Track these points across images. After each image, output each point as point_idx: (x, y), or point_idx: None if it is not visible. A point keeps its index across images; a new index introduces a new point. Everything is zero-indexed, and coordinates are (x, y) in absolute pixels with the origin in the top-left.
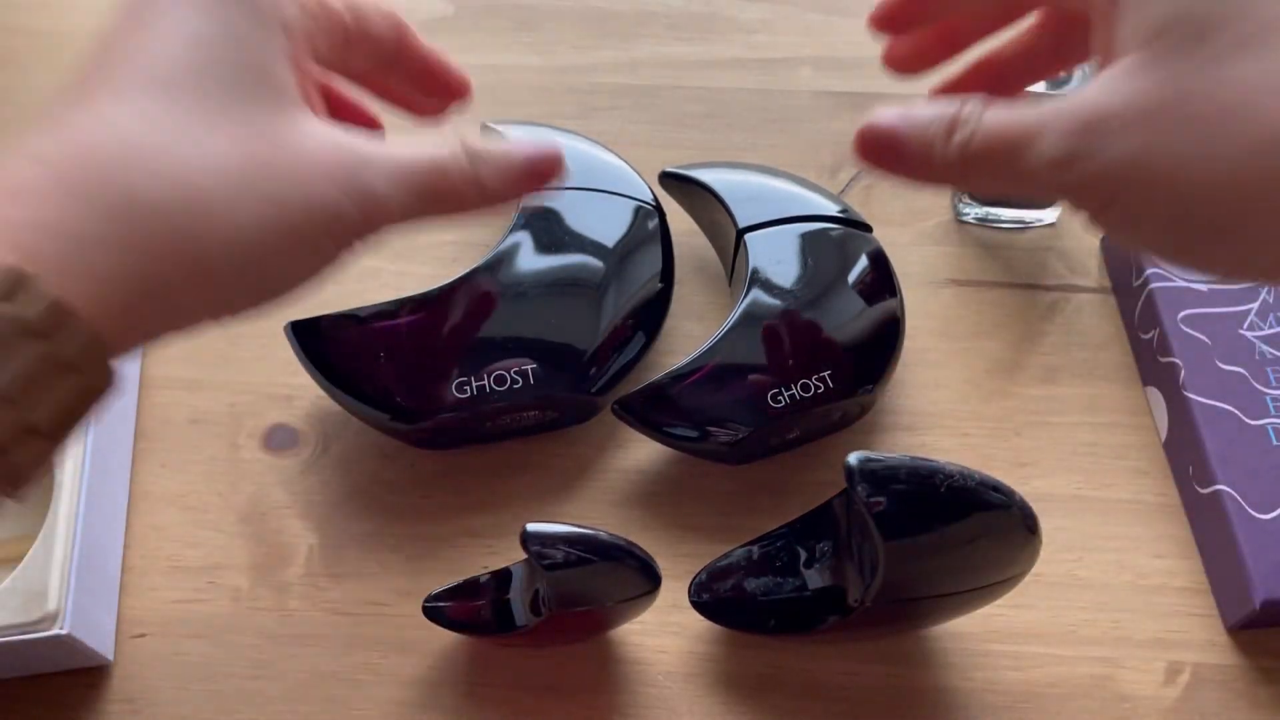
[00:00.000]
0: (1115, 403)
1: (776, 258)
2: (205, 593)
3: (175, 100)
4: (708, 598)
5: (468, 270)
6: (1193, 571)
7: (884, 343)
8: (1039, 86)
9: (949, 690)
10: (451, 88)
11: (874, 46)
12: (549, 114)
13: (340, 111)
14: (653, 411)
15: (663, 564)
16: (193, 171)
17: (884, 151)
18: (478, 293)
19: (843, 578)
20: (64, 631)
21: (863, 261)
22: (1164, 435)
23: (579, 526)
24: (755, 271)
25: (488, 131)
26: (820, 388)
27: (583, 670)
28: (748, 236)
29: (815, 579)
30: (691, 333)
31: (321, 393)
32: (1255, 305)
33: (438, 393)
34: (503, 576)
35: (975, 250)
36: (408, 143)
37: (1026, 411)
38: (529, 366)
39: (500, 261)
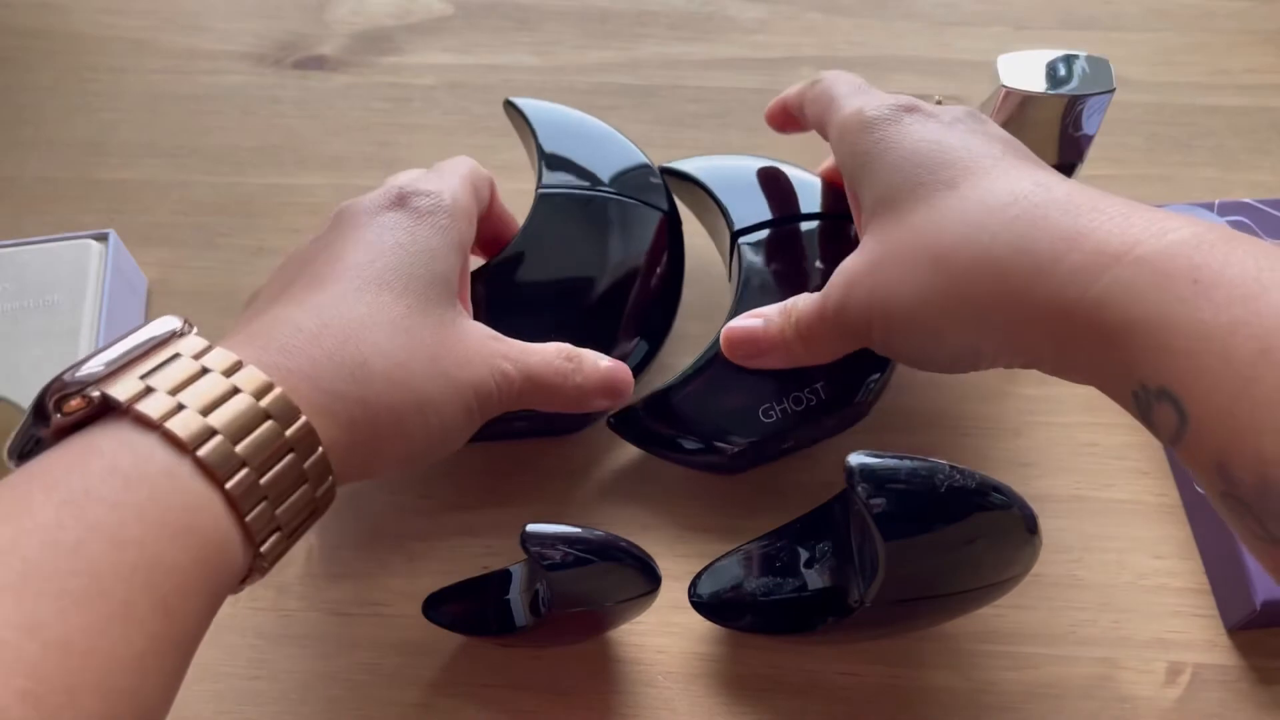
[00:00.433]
0: (1114, 403)
1: (770, 262)
2: None
3: (389, 294)
4: (708, 598)
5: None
6: (1193, 572)
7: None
8: (1040, 85)
9: (949, 690)
10: (502, 239)
11: (873, 47)
12: None
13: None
14: (647, 427)
15: (663, 564)
16: (404, 351)
17: (749, 349)
18: (477, 297)
19: (843, 578)
20: None
21: None
22: None
23: (579, 527)
24: (747, 279)
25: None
26: (813, 399)
27: (583, 670)
28: (741, 240)
29: (815, 579)
30: (694, 333)
31: None
32: None
33: None
34: (503, 576)
35: None
36: (532, 348)
37: (1026, 411)
38: None
39: (504, 265)
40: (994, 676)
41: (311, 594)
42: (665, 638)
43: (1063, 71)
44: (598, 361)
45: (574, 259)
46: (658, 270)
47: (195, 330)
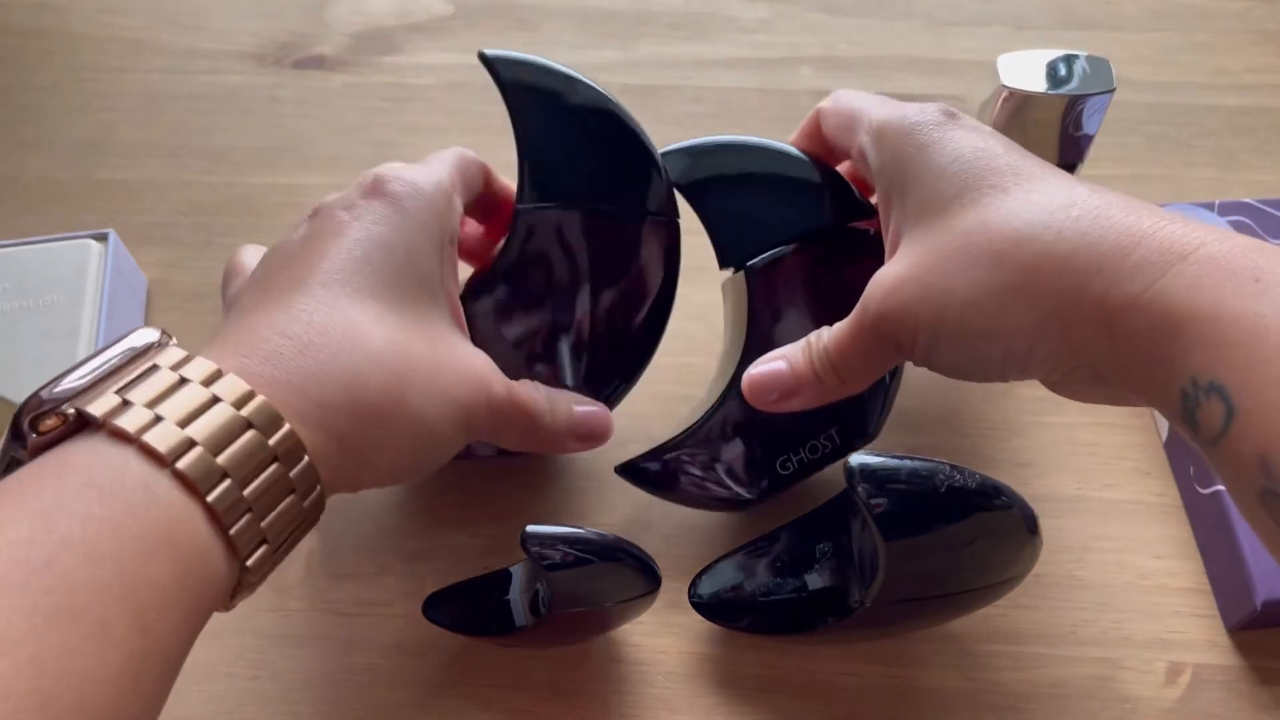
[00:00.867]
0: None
1: (780, 296)
2: None
3: (377, 301)
4: (708, 598)
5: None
6: (1193, 572)
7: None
8: (1040, 85)
9: (949, 690)
10: (505, 217)
11: (874, 47)
12: None
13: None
14: (654, 478)
15: (663, 564)
16: (398, 362)
17: (777, 394)
18: (467, 308)
19: (843, 578)
20: None
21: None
22: (1164, 435)
23: (579, 527)
24: (754, 320)
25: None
26: (828, 446)
27: (583, 670)
28: (746, 273)
29: (815, 579)
30: (691, 334)
31: None
32: None
33: None
34: (503, 577)
35: None
36: (517, 381)
37: (1026, 411)
38: None
39: (480, 289)
40: (994, 676)
41: (312, 594)
42: (665, 638)
43: (1063, 71)
44: (575, 407)
45: (557, 289)
46: (650, 297)
47: (175, 341)
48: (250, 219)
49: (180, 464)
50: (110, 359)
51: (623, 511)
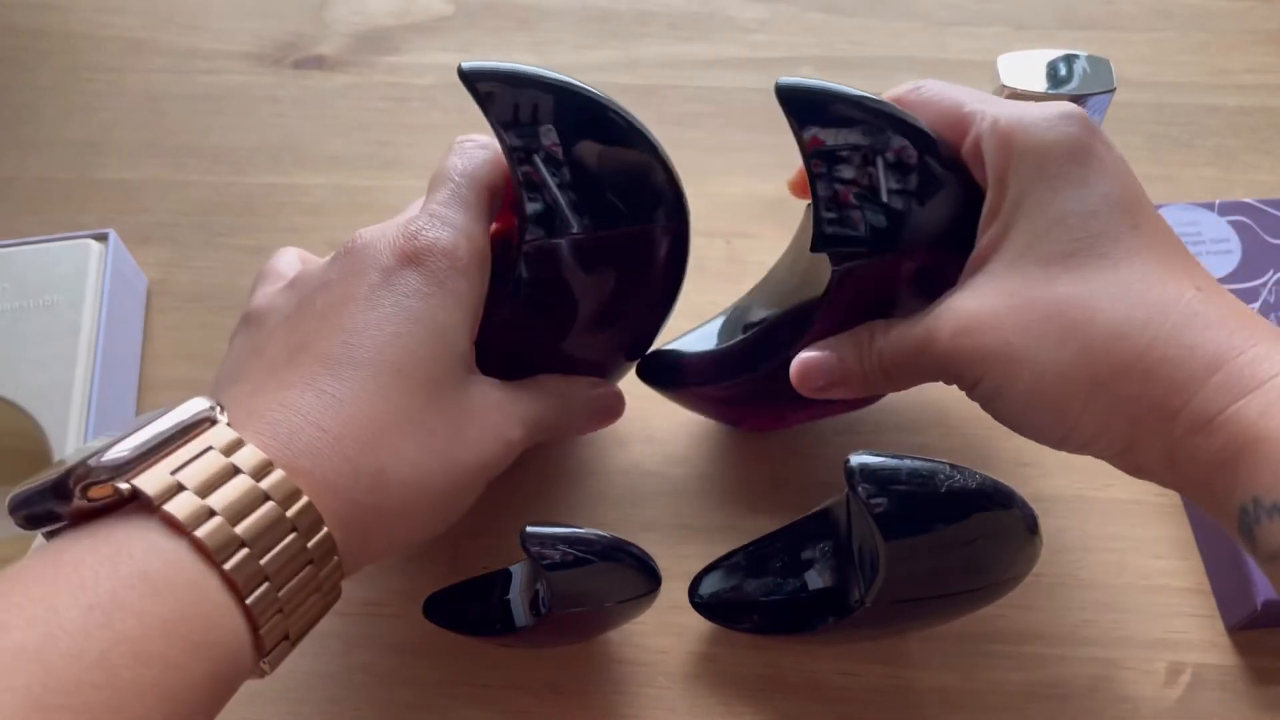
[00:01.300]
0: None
1: (856, 299)
2: None
3: (406, 382)
4: (708, 598)
5: None
6: (1193, 572)
7: None
8: (1040, 85)
9: (949, 690)
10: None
11: (874, 47)
12: None
13: None
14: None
15: (663, 564)
16: (421, 451)
17: (823, 383)
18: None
19: (843, 578)
20: None
21: None
22: None
23: (578, 527)
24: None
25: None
26: None
27: (583, 670)
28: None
29: (815, 579)
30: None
31: None
32: (1256, 305)
33: None
34: (503, 577)
35: None
36: (529, 397)
37: None
38: None
39: (499, 304)
40: (995, 676)
41: None
42: (665, 638)
43: (1063, 71)
44: (589, 393)
45: (567, 305)
46: (658, 294)
47: (225, 417)
48: (250, 219)
49: (228, 565)
50: (162, 431)
51: (623, 511)
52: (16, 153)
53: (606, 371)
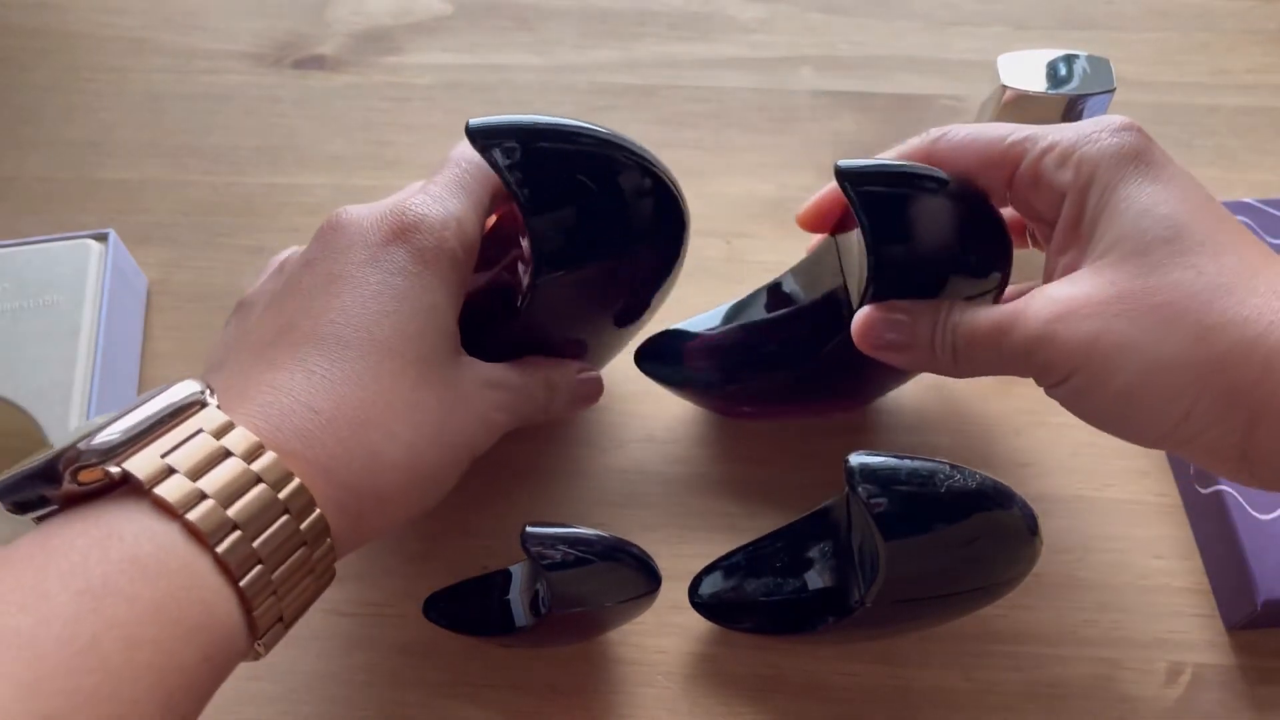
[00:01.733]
0: None
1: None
2: None
3: (396, 362)
4: (708, 598)
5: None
6: (1193, 571)
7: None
8: (1040, 85)
9: (949, 690)
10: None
11: (874, 47)
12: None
13: None
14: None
15: (663, 564)
16: (412, 431)
17: (887, 347)
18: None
19: (843, 578)
20: None
21: None
22: None
23: (578, 527)
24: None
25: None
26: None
27: (583, 670)
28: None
29: (815, 579)
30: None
31: None
32: None
33: None
34: (503, 576)
35: None
36: (514, 380)
37: (1026, 411)
38: None
39: (508, 324)
40: (995, 676)
41: None
42: (665, 638)
43: (1063, 71)
44: (573, 379)
45: (573, 321)
46: (657, 289)
47: (215, 399)
48: (250, 219)
49: (220, 548)
50: (153, 413)
51: (623, 511)
52: (16, 153)
53: (597, 353)
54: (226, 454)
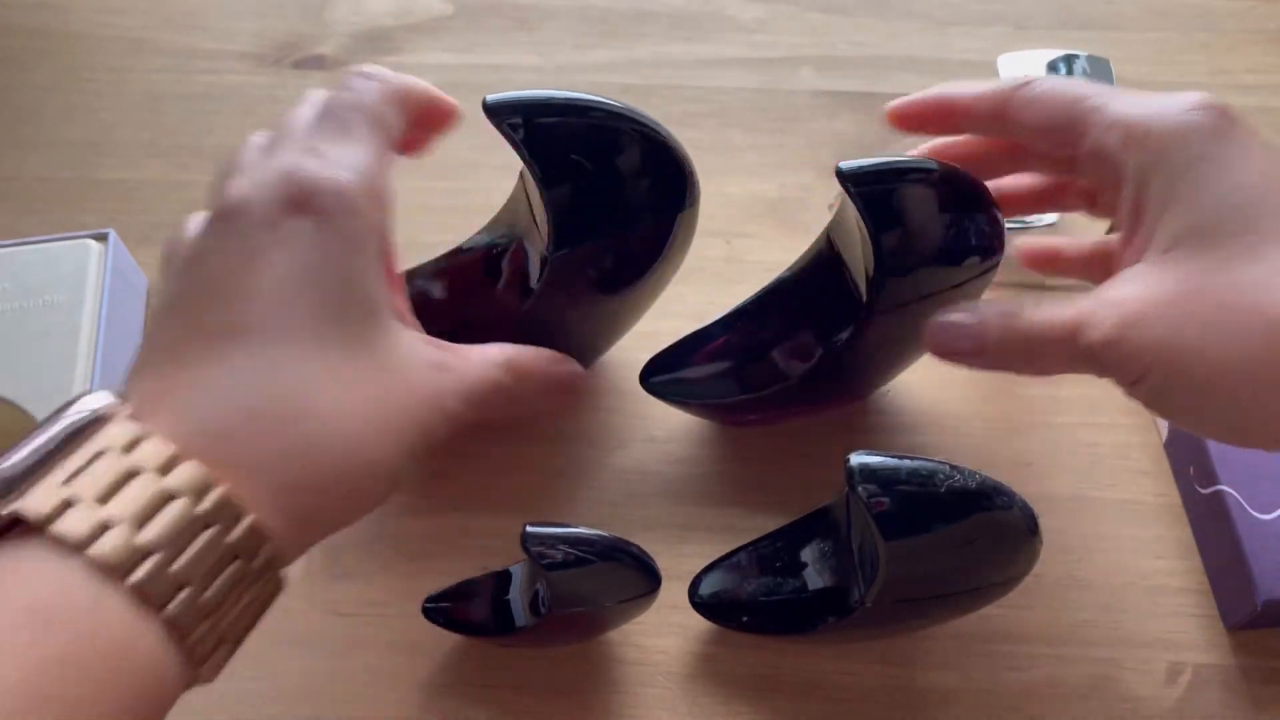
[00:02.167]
0: (1115, 403)
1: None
2: None
3: (317, 343)
4: (708, 598)
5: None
6: (1193, 571)
7: None
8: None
9: (949, 690)
10: (440, 119)
11: (874, 47)
12: None
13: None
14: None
15: (663, 564)
16: (349, 414)
17: (954, 349)
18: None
19: (843, 578)
20: None
21: None
22: (1164, 435)
23: (578, 527)
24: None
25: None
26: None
27: (583, 670)
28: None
29: (815, 579)
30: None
31: None
32: None
33: None
34: (503, 577)
35: None
36: (472, 364)
37: (1026, 411)
38: None
39: (521, 311)
40: (994, 676)
41: (312, 594)
42: (665, 638)
43: (1063, 71)
44: (545, 366)
45: (584, 301)
46: (659, 274)
47: (130, 408)
48: None
49: (134, 579)
50: (50, 438)
51: (623, 511)
52: (16, 153)
53: (604, 336)
54: (135, 472)
